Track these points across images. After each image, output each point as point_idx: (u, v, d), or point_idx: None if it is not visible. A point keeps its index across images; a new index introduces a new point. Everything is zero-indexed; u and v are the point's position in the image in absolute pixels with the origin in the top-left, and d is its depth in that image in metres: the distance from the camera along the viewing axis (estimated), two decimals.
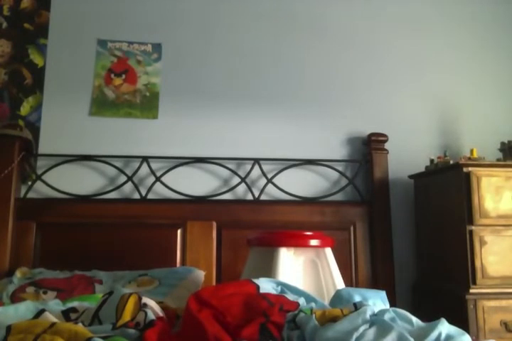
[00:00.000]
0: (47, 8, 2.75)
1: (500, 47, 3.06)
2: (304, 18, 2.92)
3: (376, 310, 1.24)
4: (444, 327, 1.13)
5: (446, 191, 2.44)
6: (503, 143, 2.67)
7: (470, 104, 2.96)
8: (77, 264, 2.26)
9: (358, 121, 2.84)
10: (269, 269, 1.78)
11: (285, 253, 1.82)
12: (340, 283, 1.85)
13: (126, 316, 1.13)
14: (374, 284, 2.53)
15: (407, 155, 2.80)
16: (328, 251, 1.92)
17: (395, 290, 2.56)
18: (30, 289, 1.96)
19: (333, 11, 2.96)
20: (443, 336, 1.11)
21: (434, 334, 1.11)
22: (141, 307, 1.17)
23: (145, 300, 1.21)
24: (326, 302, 1.57)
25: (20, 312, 1.26)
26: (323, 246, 1.90)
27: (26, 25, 2.71)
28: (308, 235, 1.91)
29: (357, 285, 2.53)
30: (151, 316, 1.13)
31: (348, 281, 2.43)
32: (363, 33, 2.97)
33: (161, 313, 1.22)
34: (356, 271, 2.57)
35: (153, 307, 1.20)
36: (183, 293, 2.03)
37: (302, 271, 1.84)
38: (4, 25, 2.70)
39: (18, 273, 2.14)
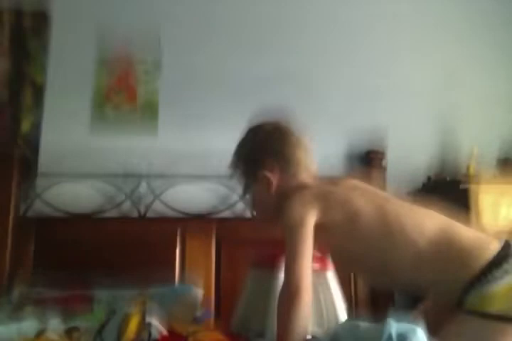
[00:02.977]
0: (48, 26, 2.77)
1: (501, 61, 3.11)
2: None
3: None
4: (392, 328, 1.05)
5: (443, 208, 2.44)
6: (499, 159, 2.69)
7: (467, 120, 2.97)
8: (76, 283, 2.24)
9: (355, 138, 2.85)
10: (267, 292, 1.70)
11: (282, 277, 1.76)
12: (341, 309, 1.78)
13: (130, 335, 1.13)
14: (373, 297, 2.52)
15: (405, 172, 2.81)
16: (330, 275, 1.83)
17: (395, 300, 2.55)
18: (29, 308, 1.94)
19: (333, 12, 3.02)
20: (394, 337, 1.03)
21: (383, 339, 1.03)
22: (145, 326, 1.17)
23: (149, 319, 1.21)
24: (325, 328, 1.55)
25: (22, 330, 1.26)
26: (324, 269, 1.82)
27: (27, 43, 2.73)
28: None
29: (356, 299, 2.51)
30: (155, 335, 1.13)
31: (348, 295, 2.41)
32: (362, 49, 3.01)
33: (164, 332, 1.22)
34: (356, 287, 2.56)
35: (157, 326, 1.20)
36: (182, 312, 2.02)
37: None
38: (5, 43, 2.72)
39: (16, 292, 2.12)
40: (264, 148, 1.50)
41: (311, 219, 1.33)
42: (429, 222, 1.35)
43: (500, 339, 1.17)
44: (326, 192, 1.42)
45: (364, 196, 1.42)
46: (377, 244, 1.34)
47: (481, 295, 1.18)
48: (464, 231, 1.32)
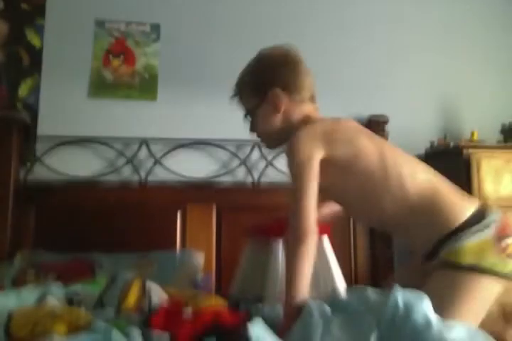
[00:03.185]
0: None
1: (501, 32, 3.06)
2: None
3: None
4: (399, 295, 1.06)
5: (446, 174, 2.43)
6: (503, 125, 2.67)
7: (471, 86, 2.95)
8: (77, 248, 2.26)
9: (357, 102, 2.82)
10: (265, 263, 1.72)
11: (278, 244, 1.74)
12: (337, 274, 1.79)
13: (130, 301, 1.14)
14: (374, 268, 2.55)
15: (407, 137, 2.78)
16: (325, 240, 1.82)
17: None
18: (31, 272, 1.96)
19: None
20: (400, 303, 1.04)
21: (389, 308, 1.04)
22: (145, 292, 1.18)
23: (149, 284, 1.22)
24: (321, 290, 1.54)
25: (22, 296, 1.27)
26: (320, 233, 1.82)
27: (23, 5, 2.66)
28: None
29: (356, 269, 2.54)
30: (156, 301, 1.14)
31: (347, 265, 2.43)
32: (364, 14, 2.95)
33: (165, 298, 1.23)
34: (355, 259, 2.57)
35: (157, 292, 1.21)
36: (183, 276, 2.04)
37: None
38: (1, 5, 2.65)
39: (18, 257, 2.14)
40: (277, 71, 1.50)
41: (318, 157, 1.35)
42: (421, 175, 1.40)
43: (473, 288, 1.25)
44: (332, 128, 1.43)
45: (367, 137, 1.45)
46: (373, 184, 1.38)
47: (455, 247, 1.26)
48: (448, 190, 1.38)
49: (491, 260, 1.25)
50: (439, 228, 1.31)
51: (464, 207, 1.33)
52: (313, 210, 1.30)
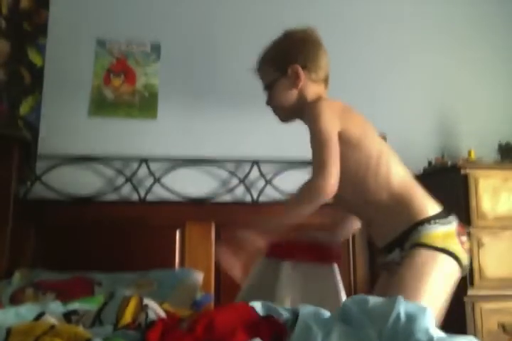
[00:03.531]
0: (46, 7, 2.73)
1: (499, 50, 3.09)
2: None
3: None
4: (401, 306, 1.03)
5: (443, 193, 2.43)
6: (500, 144, 2.68)
7: (469, 105, 2.97)
8: (76, 266, 2.25)
9: None
10: (273, 282, 1.67)
11: (288, 267, 1.69)
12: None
13: (128, 317, 1.13)
14: (372, 286, 2.53)
15: (405, 156, 2.78)
16: (335, 267, 1.75)
17: None
18: (30, 290, 1.95)
19: (331, 12, 2.97)
20: (402, 316, 1.02)
21: (391, 317, 1.02)
22: (143, 308, 1.18)
23: (146, 301, 1.21)
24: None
25: (20, 314, 1.26)
26: (330, 261, 1.75)
27: (25, 25, 2.70)
28: (314, 247, 1.76)
29: (355, 286, 2.53)
30: (153, 317, 1.14)
31: (346, 281, 2.42)
32: (363, 31, 2.99)
33: (162, 314, 1.22)
34: (355, 272, 2.57)
35: (154, 308, 1.21)
36: (182, 295, 2.03)
37: (304, 286, 1.67)
38: (3, 25, 2.69)
39: (17, 275, 2.13)
40: (299, 48, 1.59)
41: (337, 129, 1.45)
42: (403, 174, 1.55)
43: (440, 265, 1.39)
44: (346, 108, 1.56)
45: (372, 128, 1.61)
46: (367, 168, 1.50)
47: (427, 232, 1.42)
48: (420, 191, 1.54)
49: (455, 247, 1.42)
50: (409, 218, 1.45)
51: (431, 206, 1.49)
52: (336, 174, 1.39)
